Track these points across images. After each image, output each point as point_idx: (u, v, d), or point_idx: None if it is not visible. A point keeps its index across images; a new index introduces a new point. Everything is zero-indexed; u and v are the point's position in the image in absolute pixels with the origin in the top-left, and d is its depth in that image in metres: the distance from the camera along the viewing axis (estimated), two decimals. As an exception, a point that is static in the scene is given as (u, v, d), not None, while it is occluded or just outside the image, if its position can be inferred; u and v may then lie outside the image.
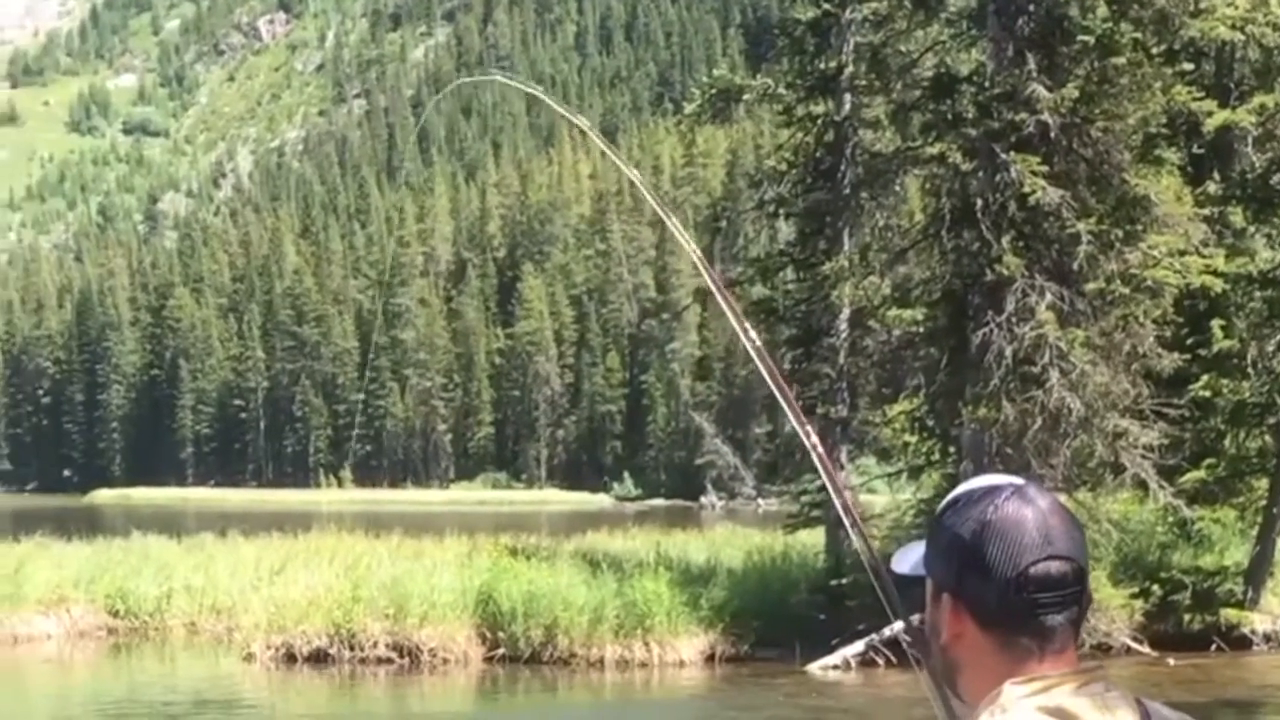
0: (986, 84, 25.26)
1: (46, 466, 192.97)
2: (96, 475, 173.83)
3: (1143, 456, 24.42)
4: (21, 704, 24.67)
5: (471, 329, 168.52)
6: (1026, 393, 23.86)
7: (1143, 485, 25.45)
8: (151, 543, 35.48)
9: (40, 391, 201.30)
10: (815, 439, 3.96)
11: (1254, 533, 28.01)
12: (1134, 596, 26.54)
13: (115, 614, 30.44)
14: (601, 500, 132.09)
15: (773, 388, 4.08)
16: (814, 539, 30.82)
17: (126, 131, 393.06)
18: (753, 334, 4.38)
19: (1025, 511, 2.34)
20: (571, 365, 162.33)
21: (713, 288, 4.67)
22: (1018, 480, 2.43)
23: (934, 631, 2.45)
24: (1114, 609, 25.72)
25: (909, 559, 2.53)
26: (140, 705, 23.62)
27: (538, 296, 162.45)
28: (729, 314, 4.46)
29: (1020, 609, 2.33)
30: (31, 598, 29.42)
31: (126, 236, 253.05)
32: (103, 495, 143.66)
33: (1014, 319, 23.91)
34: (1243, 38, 26.88)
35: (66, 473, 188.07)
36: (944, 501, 2.46)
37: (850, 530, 3.84)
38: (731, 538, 38.01)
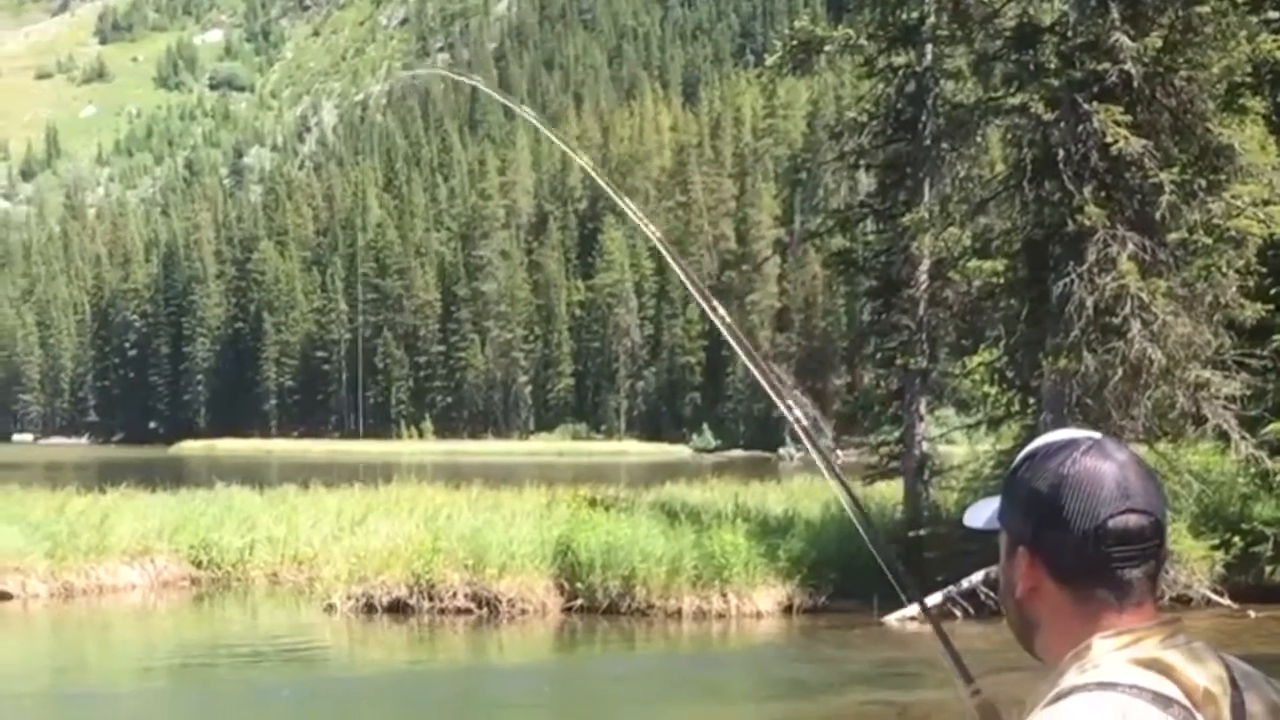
0: (1069, 33, 24.95)
1: (132, 418, 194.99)
2: (181, 427, 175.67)
3: (1224, 407, 24.17)
4: (107, 653, 24.98)
5: (552, 281, 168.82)
6: (1107, 344, 23.64)
7: (1224, 436, 25.19)
8: (235, 494, 35.74)
9: (127, 344, 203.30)
10: (799, 412, 3.91)
11: (1338, 484, 27.70)
12: (1214, 548, 26.31)
13: (198, 564, 30.72)
14: (680, 451, 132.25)
15: (747, 363, 4.04)
16: (892, 490, 30.71)
17: (213, 86, 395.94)
18: (721, 311, 4.31)
19: (1103, 465, 2.34)
20: (651, 317, 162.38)
21: (675, 266, 4.61)
22: (1095, 434, 2.42)
23: (1009, 587, 2.44)
24: (1194, 561, 25.52)
25: (983, 513, 2.53)
26: (222, 654, 23.83)
27: (618, 248, 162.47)
28: (693, 292, 4.40)
29: (1097, 562, 2.32)
30: (117, 548, 29.69)
31: (212, 190, 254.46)
32: (187, 447, 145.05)
33: (1095, 270, 23.68)
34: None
35: (152, 424, 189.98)
36: (1020, 455, 2.45)
37: (840, 492, 3.80)
38: (809, 489, 37.91)
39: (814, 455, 3.72)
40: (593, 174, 5.38)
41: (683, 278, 4.25)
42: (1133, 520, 2.32)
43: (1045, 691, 2.32)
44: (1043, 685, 2.35)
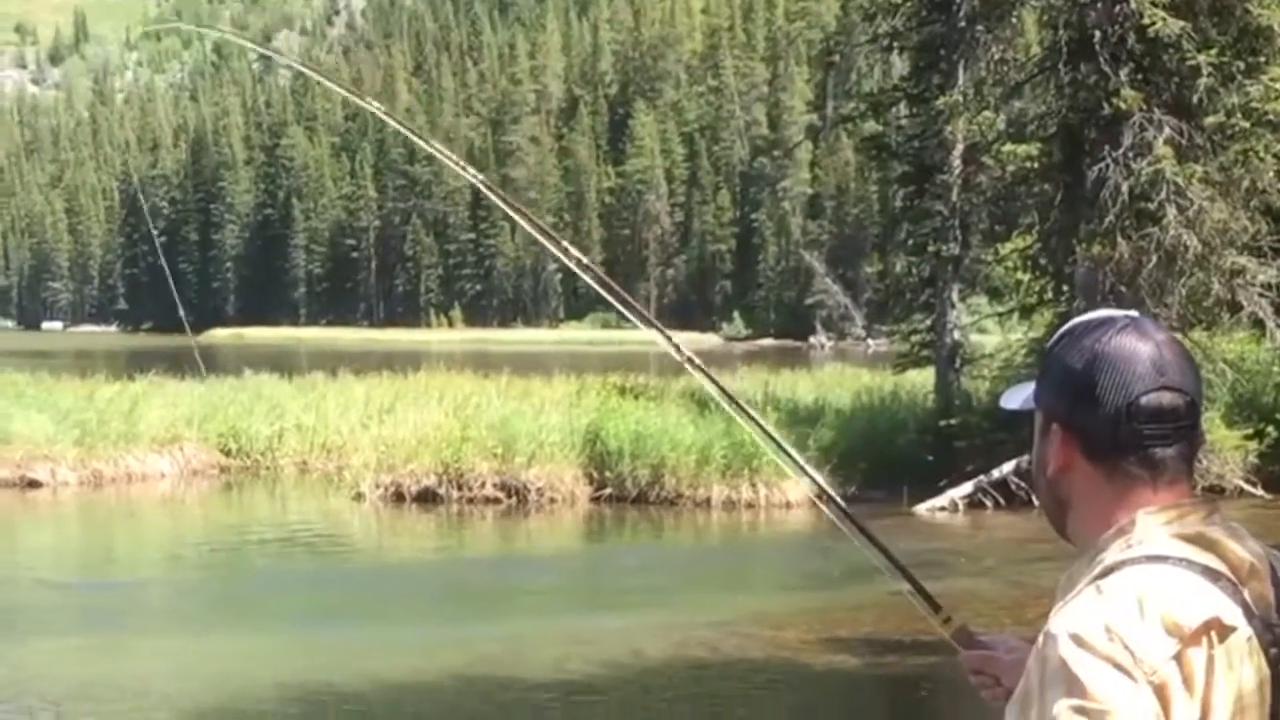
0: (1105, -88, 24.47)
1: (161, 306, 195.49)
2: (210, 315, 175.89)
3: (1260, 294, 23.90)
4: (135, 541, 25.02)
5: (582, 167, 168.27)
6: (1142, 229, 23.34)
7: (1259, 324, 24.94)
8: (263, 382, 35.74)
9: (156, 231, 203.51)
10: (689, 352, 3.77)
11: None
12: (1248, 438, 26.08)
13: (227, 453, 30.74)
14: (710, 340, 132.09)
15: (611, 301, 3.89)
16: (923, 379, 30.56)
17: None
18: (574, 251, 4.16)
19: (1139, 343, 2.34)
20: (682, 204, 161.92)
21: (485, 190, 4.45)
22: (1133, 313, 2.42)
23: (1041, 466, 2.45)
24: (1227, 451, 25.31)
25: (1019, 395, 2.53)
26: (251, 542, 23.85)
27: (649, 134, 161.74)
28: (529, 229, 4.26)
29: (1130, 439, 2.32)
30: (146, 436, 29.70)
31: (241, 75, 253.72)
32: (216, 335, 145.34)
33: (1131, 154, 23.35)
34: None
35: (181, 312, 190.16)
36: (1057, 333, 2.46)
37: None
38: (840, 378, 37.82)
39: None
40: (391, 121, 5.15)
41: (513, 213, 4.10)
42: (1166, 398, 2.32)
43: (1084, 570, 2.33)
44: (1079, 565, 2.36)
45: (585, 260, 4.23)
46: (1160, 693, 2.16)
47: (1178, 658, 2.18)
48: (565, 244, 4.21)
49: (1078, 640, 2.17)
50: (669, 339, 3.86)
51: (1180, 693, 2.18)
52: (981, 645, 2.88)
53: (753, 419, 3.61)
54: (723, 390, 3.68)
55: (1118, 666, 2.15)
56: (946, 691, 13.04)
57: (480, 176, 4.52)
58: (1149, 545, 2.28)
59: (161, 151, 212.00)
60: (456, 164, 4.56)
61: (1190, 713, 2.18)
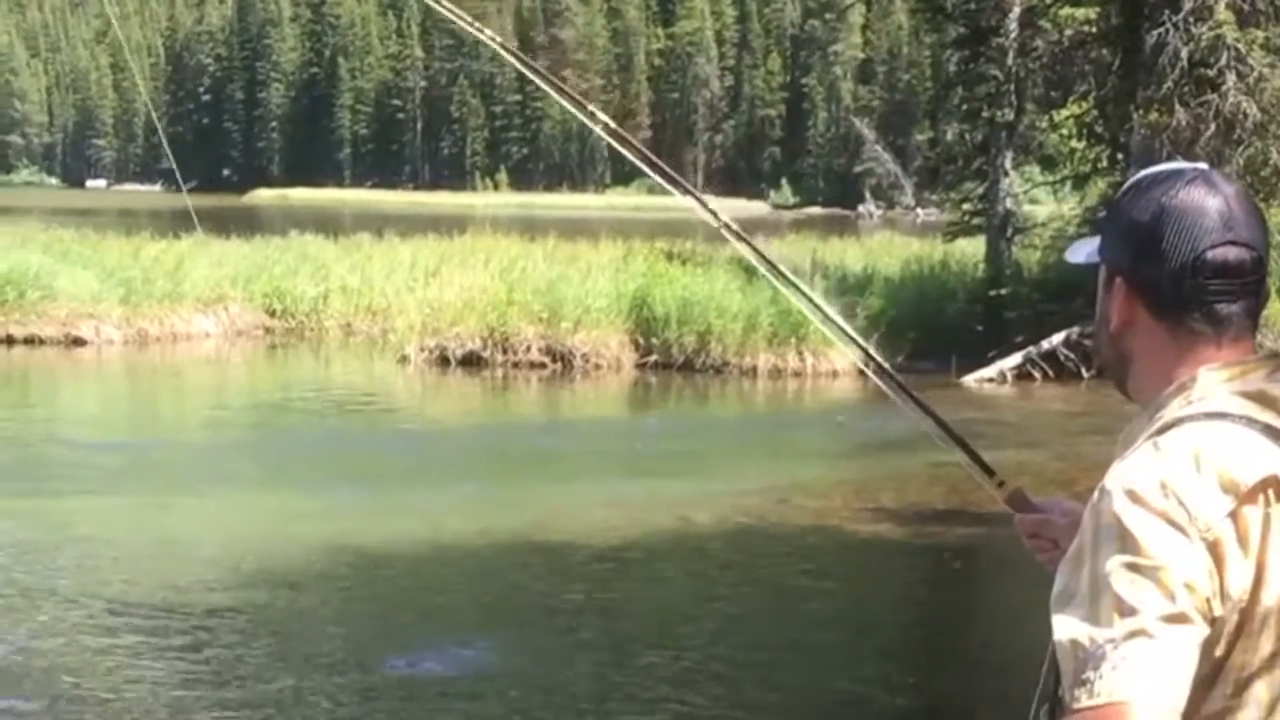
0: None
1: (206, 165, 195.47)
2: (255, 175, 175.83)
3: (1320, 164, 23.58)
4: (180, 400, 25.06)
5: (631, 29, 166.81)
6: (1201, 96, 22.96)
7: (1318, 194, 24.60)
8: (309, 242, 35.71)
9: (201, 89, 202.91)
10: (726, 218, 3.70)
11: None
12: (1304, 311, 25.79)
13: (272, 313, 30.74)
14: (758, 207, 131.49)
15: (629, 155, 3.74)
16: (974, 248, 30.33)
17: None
18: (601, 115, 4.00)
19: (1207, 196, 2.30)
20: (732, 67, 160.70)
21: (501, 51, 4.23)
22: (1202, 165, 2.38)
23: (1104, 320, 2.44)
24: (1281, 323, 25.06)
25: (1084, 249, 2.51)
26: (295, 403, 23.86)
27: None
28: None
29: (1195, 294, 2.30)
30: (190, 295, 29.71)
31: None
32: (261, 195, 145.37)
33: (1191, 18, 22.92)
34: None
35: (226, 172, 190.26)
36: (1124, 185, 2.43)
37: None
38: (889, 246, 37.61)
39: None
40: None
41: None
42: (1233, 253, 2.28)
43: (1143, 426, 2.32)
44: (1139, 421, 2.35)
45: (614, 125, 4.01)
46: (1214, 550, 2.13)
47: (1233, 515, 2.15)
48: (592, 108, 4.02)
49: (1133, 496, 2.15)
50: (705, 205, 3.77)
51: (1235, 551, 2.15)
52: (1036, 509, 2.89)
53: (796, 286, 3.53)
54: (764, 258, 3.58)
55: (1172, 523, 2.12)
56: (991, 560, 13.00)
57: (497, 38, 4.35)
58: (1210, 402, 2.26)
59: (207, 7, 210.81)
60: (470, 24, 4.40)
61: (1244, 571, 2.16)
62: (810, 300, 3.54)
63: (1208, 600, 2.12)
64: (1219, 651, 2.17)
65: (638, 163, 3.81)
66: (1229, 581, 2.14)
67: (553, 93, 4.08)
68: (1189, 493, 2.14)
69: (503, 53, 4.28)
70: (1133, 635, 2.08)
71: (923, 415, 3.24)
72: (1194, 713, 2.15)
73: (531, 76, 4.17)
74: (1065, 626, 2.15)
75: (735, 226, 3.68)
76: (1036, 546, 2.81)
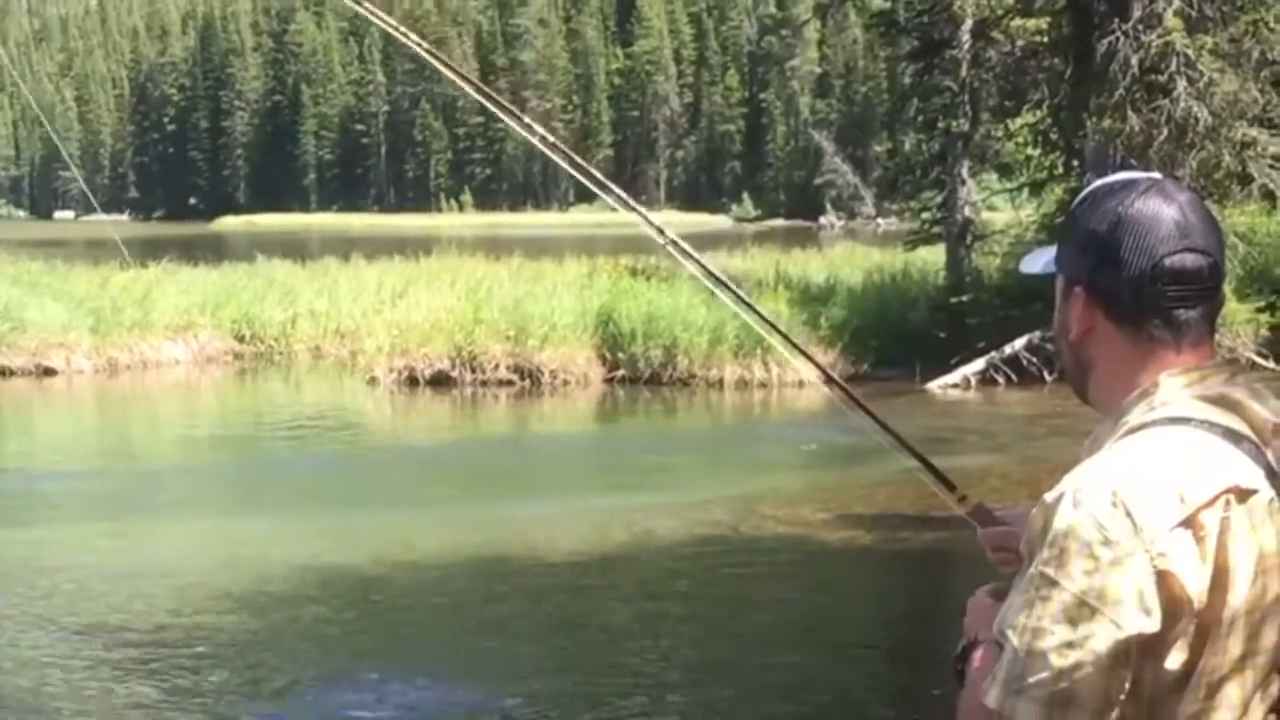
0: None
1: (172, 194, 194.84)
2: (222, 202, 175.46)
3: (1270, 166, 23.84)
4: (152, 427, 25.16)
5: (590, 49, 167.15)
6: (1152, 102, 23.25)
7: (1270, 196, 24.91)
8: (276, 268, 35.85)
9: (166, 119, 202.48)
10: (672, 235, 3.78)
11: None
12: (1259, 310, 26.08)
13: (241, 339, 30.85)
14: (720, 221, 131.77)
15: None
16: (934, 256, 30.57)
17: None
18: (539, 129, 4.14)
19: (1163, 205, 2.35)
20: (691, 85, 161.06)
21: (428, 58, 4.39)
22: (1155, 175, 2.42)
23: (1063, 330, 2.47)
24: (1239, 324, 25.31)
25: (1040, 260, 2.55)
26: (266, 427, 23.99)
27: (657, 15, 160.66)
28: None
29: (1153, 300, 2.34)
30: (160, 323, 29.80)
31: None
32: (228, 222, 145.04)
33: (1140, 26, 23.23)
34: None
35: (192, 200, 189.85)
36: (1079, 196, 2.47)
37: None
38: (851, 256, 37.84)
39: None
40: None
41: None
42: (1190, 260, 2.32)
43: (1109, 432, 2.36)
44: (1104, 428, 2.39)
45: (552, 139, 4.12)
46: (1158, 563, 2.17)
47: (1188, 522, 2.19)
48: (529, 120, 4.16)
49: (1078, 504, 2.20)
50: (651, 222, 3.80)
51: (1189, 558, 2.19)
52: (999, 521, 2.90)
53: (744, 302, 3.63)
54: (712, 275, 3.67)
55: (1106, 541, 2.17)
56: (963, 566, 13.12)
57: (424, 44, 4.25)
58: (1172, 407, 2.30)
59: (170, 39, 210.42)
60: (397, 29, 4.36)
61: (1199, 577, 2.19)
62: (759, 315, 3.63)
63: (1138, 617, 2.17)
64: (1184, 656, 2.21)
65: (577, 175, 3.98)
66: (1179, 591, 2.18)
67: (480, 97, 4.12)
68: (1139, 501, 2.18)
69: (428, 57, 4.25)
70: (1031, 653, 2.19)
71: (882, 432, 3.31)
72: (1170, 717, 2.22)
73: (463, 85, 4.19)
74: (1004, 606, 2.28)
75: (684, 245, 3.76)
76: (1002, 560, 2.79)
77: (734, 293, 3.61)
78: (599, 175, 3.92)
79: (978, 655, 2.40)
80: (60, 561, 13.91)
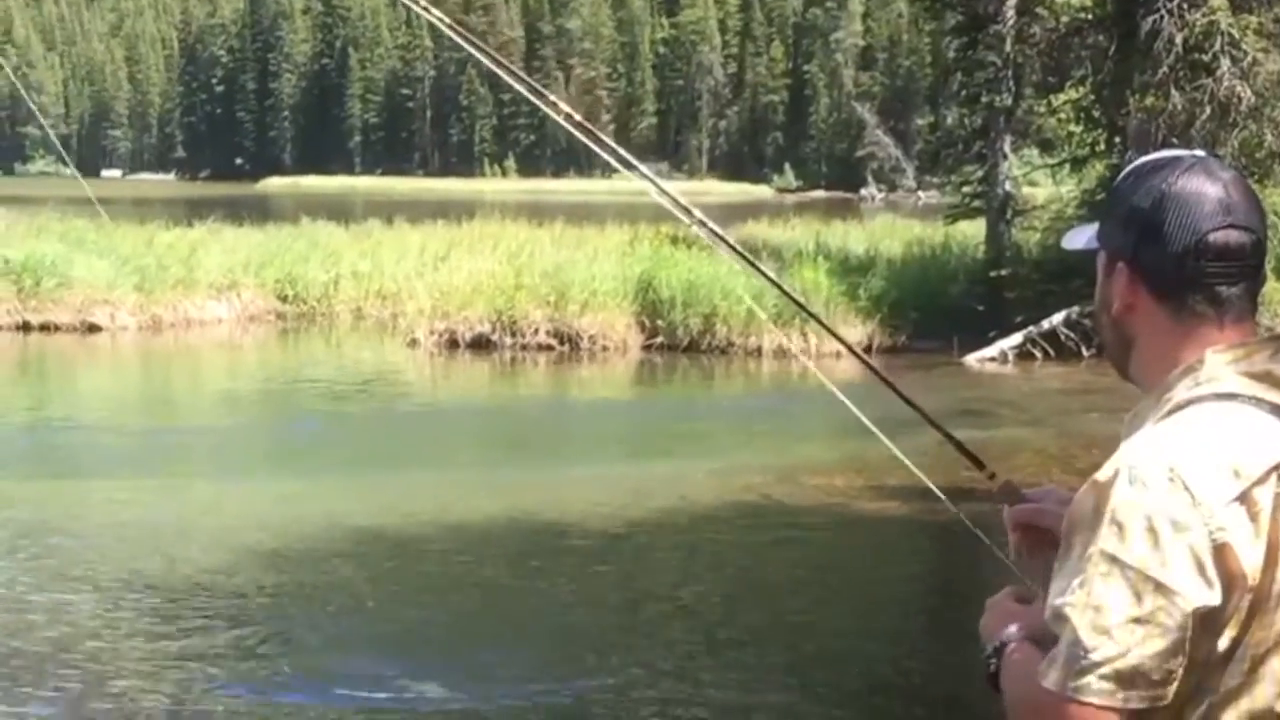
0: None
1: (219, 155, 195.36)
2: (268, 163, 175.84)
3: (1312, 146, 23.86)
4: (193, 385, 25.34)
5: (636, 17, 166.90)
6: (1196, 81, 23.27)
7: (1312, 176, 24.89)
8: (320, 229, 36.04)
9: (214, 80, 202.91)
10: (699, 214, 3.86)
11: None
12: (1299, 291, 26.07)
13: (284, 299, 31.06)
14: (762, 191, 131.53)
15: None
16: (974, 230, 30.58)
17: None
18: (550, 96, 4.28)
19: (1206, 182, 2.36)
20: (735, 55, 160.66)
21: (446, 30, 4.48)
22: (1199, 152, 2.44)
23: (1105, 306, 2.48)
24: (1277, 302, 25.32)
25: (1082, 236, 2.56)
26: (306, 386, 24.09)
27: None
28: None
29: (1196, 277, 2.34)
30: (204, 282, 30.04)
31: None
32: (273, 183, 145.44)
33: (1185, 5, 23.24)
34: None
35: (239, 161, 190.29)
36: (1123, 172, 2.48)
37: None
38: (891, 229, 37.91)
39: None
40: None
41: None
42: (1233, 236, 2.34)
43: (1151, 408, 2.38)
44: (1146, 404, 2.41)
45: (569, 110, 4.19)
46: (1218, 537, 2.19)
47: (1243, 497, 2.21)
48: (545, 92, 4.26)
49: (1137, 482, 2.22)
50: (670, 195, 3.83)
51: (1245, 534, 2.21)
52: (1027, 500, 2.88)
53: (770, 279, 3.71)
54: (738, 251, 3.77)
55: (1170, 519, 2.19)
56: (997, 539, 13.13)
57: (443, 16, 4.36)
58: (1218, 383, 2.31)
59: (220, 1, 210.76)
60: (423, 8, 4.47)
61: (1255, 552, 2.21)
62: (787, 294, 3.77)
63: (1201, 589, 2.18)
64: (1234, 631, 2.22)
65: (592, 145, 4.02)
66: (1236, 565, 2.20)
67: (506, 76, 4.15)
68: (1196, 478, 2.20)
69: (450, 33, 4.31)
70: (1096, 630, 2.19)
71: (912, 410, 3.31)
72: (1214, 690, 2.24)
73: (473, 52, 4.27)
74: (1054, 590, 2.27)
75: (710, 224, 3.80)
76: (1025, 540, 2.79)
77: (759, 270, 3.70)
78: (625, 154, 4.05)
79: (1012, 649, 2.44)
80: (101, 515, 14.03)
